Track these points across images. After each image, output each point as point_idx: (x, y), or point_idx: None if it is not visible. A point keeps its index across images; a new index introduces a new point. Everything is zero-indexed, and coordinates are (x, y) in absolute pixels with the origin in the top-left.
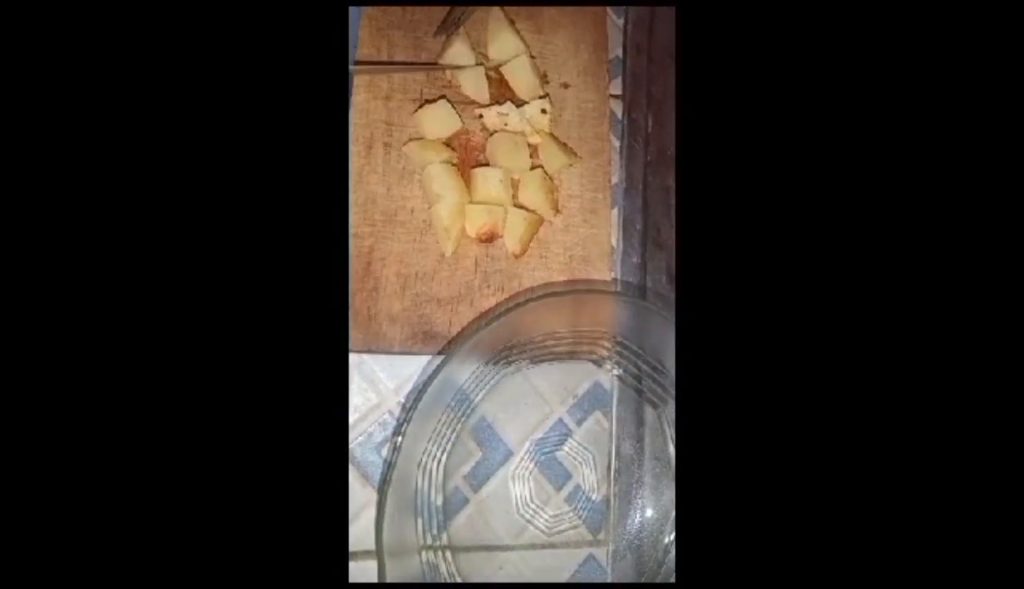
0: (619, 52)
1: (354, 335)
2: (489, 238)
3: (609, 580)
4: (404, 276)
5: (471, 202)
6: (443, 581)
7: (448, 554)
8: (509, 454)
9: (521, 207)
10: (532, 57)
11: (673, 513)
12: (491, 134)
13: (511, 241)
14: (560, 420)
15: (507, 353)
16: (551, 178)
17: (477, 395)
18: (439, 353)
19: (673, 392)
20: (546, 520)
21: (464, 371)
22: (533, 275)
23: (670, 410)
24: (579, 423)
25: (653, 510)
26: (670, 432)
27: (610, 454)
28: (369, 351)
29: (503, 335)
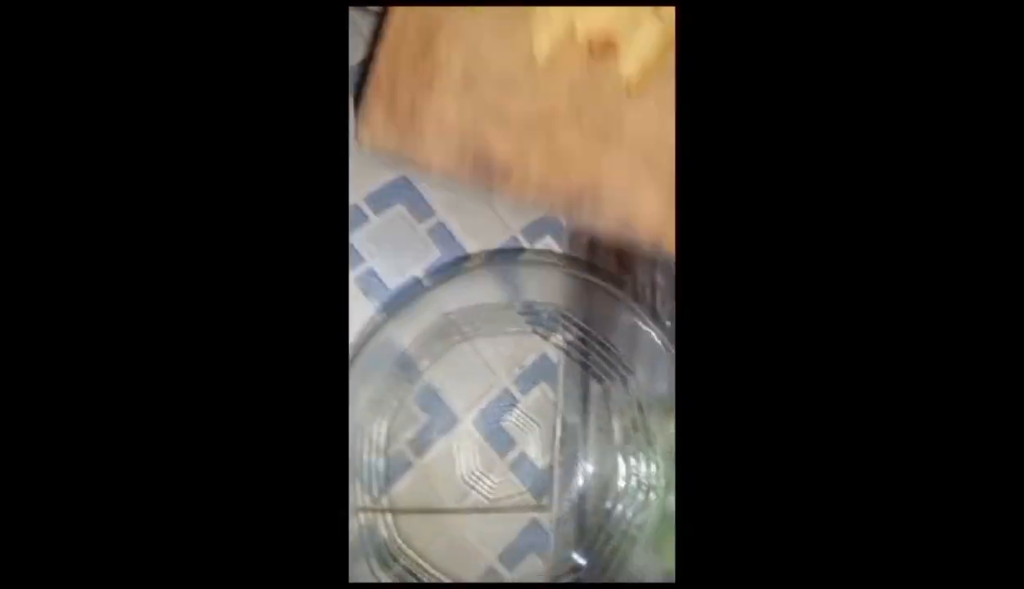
0: None
1: (387, 130)
2: (602, 48)
3: (552, 544)
4: (474, 73)
5: None
6: (382, 541)
7: (388, 516)
8: (455, 421)
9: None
10: None
11: (616, 479)
12: None
13: (630, 60)
14: (506, 390)
15: (451, 321)
16: None
17: (422, 361)
18: (490, 188)
19: (618, 368)
20: (490, 485)
21: (406, 334)
22: (642, 123)
23: (615, 385)
24: (525, 393)
25: (596, 477)
26: (614, 404)
27: (555, 424)
28: (402, 159)
29: (446, 299)
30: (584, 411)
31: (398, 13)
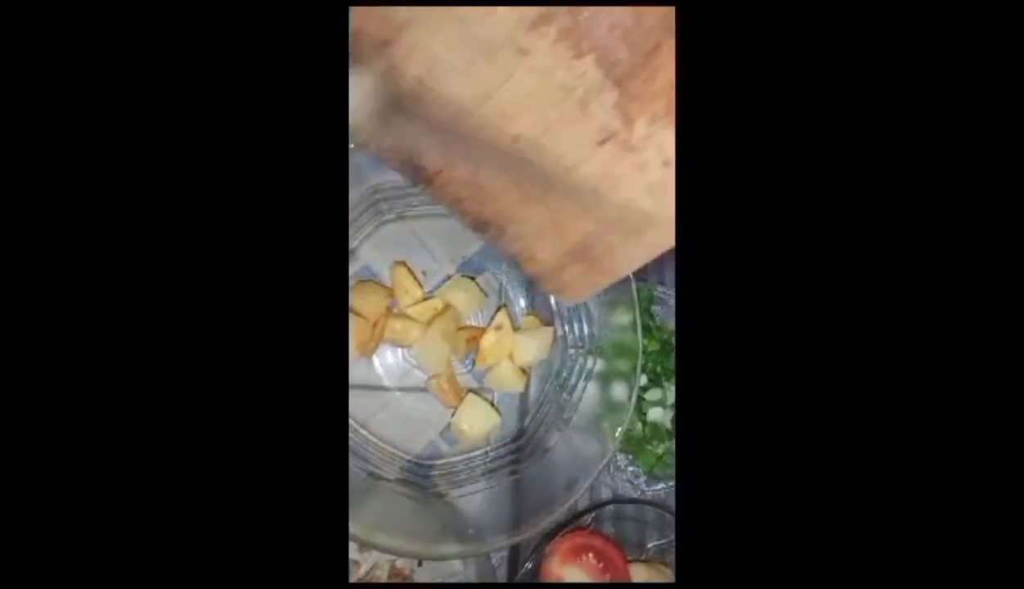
0: None
1: None
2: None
3: None
4: (427, 86)
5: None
6: None
7: None
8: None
9: None
10: None
11: (554, 366)
12: None
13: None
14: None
15: (381, 197)
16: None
17: (353, 240)
18: None
19: None
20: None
21: None
22: (566, 193)
23: None
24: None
25: (537, 364)
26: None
27: (497, 311)
28: None
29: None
30: (529, 302)
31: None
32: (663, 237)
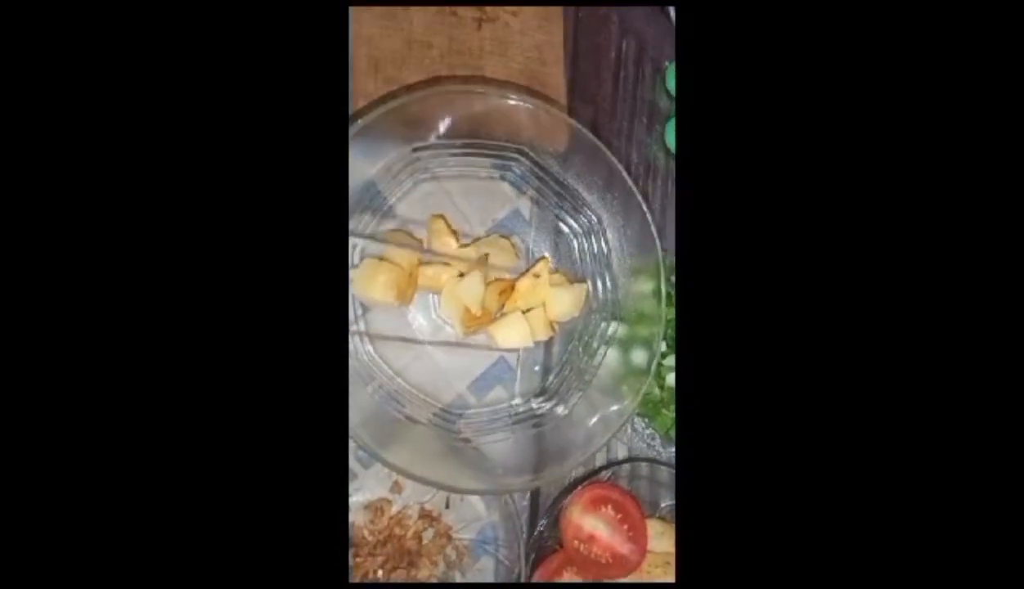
0: None
1: None
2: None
3: (518, 378)
4: (375, 58)
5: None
6: (363, 362)
7: (366, 340)
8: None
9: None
10: None
11: (577, 330)
12: None
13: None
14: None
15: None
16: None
17: (392, 196)
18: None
19: (587, 218)
20: None
21: (371, 163)
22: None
23: (586, 244)
24: None
25: (561, 328)
26: (584, 264)
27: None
28: None
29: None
30: (556, 263)
31: None
32: None
